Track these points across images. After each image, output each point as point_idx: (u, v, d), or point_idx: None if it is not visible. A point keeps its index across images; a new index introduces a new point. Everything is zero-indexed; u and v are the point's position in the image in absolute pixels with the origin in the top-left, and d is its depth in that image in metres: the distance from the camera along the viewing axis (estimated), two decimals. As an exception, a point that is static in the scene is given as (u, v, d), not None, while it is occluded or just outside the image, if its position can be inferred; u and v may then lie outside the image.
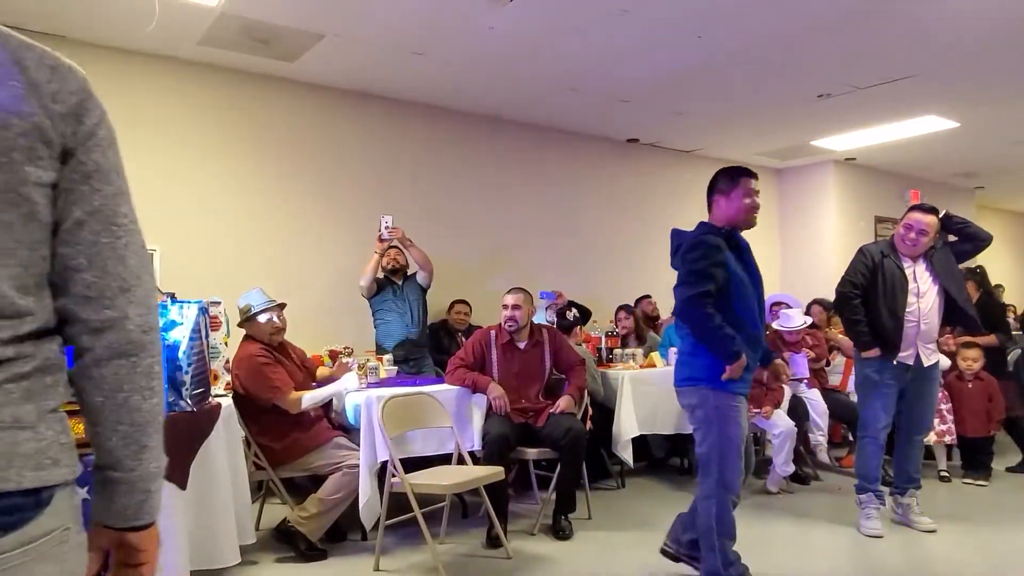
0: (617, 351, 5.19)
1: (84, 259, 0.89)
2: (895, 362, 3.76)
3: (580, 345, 4.99)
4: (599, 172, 7.10)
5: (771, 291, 7.56)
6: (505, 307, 4.12)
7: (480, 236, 6.35)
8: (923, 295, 3.77)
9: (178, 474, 2.58)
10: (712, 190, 3.09)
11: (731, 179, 3.02)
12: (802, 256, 8.39)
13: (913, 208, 3.84)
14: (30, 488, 0.80)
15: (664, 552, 3.23)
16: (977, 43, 4.78)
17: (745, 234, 3.12)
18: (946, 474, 4.92)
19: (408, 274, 5.14)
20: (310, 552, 3.40)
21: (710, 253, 2.88)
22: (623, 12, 4.27)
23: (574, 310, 5.69)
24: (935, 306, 3.78)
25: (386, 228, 4.86)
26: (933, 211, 3.79)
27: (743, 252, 3.04)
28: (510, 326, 4.11)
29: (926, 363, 3.80)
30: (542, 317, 5.00)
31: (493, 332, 4.17)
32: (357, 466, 3.41)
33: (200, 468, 2.74)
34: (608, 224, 7.09)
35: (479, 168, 6.38)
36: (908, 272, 3.78)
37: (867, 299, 3.80)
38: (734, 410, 2.93)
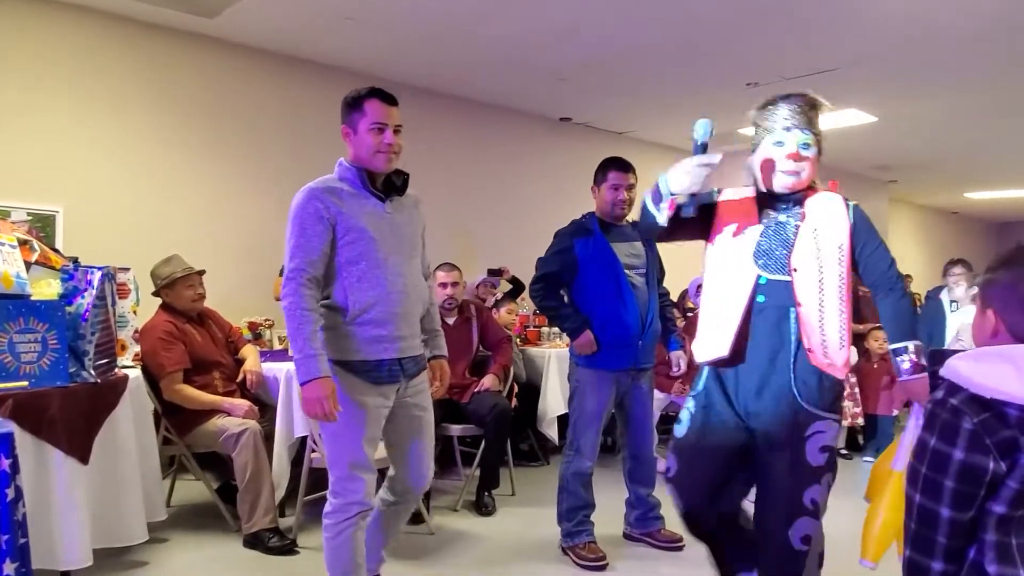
0: (544, 329, 5.21)
1: None
2: None
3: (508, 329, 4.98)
4: (532, 149, 7.06)
5: (697, 273, 7.76)
6: (443, 285, 4.02)
7: (410, 210, 6.22)
8: None
9: (79, 448, 2.45)
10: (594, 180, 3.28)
11: (601, 171, 3.24)
12: (726, 241, 8.57)
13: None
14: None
15: (626, 536, 3.38)
16: (899, 39, 4.94)
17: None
18: (846, 452, 5.16)
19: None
20: (283, 544, 3.14)
21: (557, 242, 3.23)
22: (561, -13, 4.23)
23: (498, 293, 5.66)
24: None
25: None
26: None
27: (631, 239, 3.22)
28: (449, 304, 4.04)
29: None
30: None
31: (420, 307, 4.10)
32: (245, 429, 3.22)
33: (105, 442, 2.61)
34: (541, 202, 7.06)
35: (410, 141, 6.16)
36: None
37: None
38: (593, 385, 3.12)
